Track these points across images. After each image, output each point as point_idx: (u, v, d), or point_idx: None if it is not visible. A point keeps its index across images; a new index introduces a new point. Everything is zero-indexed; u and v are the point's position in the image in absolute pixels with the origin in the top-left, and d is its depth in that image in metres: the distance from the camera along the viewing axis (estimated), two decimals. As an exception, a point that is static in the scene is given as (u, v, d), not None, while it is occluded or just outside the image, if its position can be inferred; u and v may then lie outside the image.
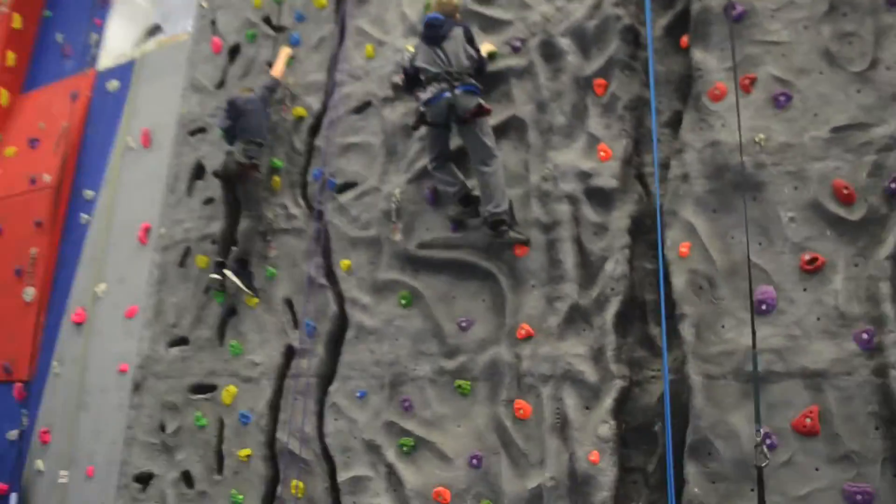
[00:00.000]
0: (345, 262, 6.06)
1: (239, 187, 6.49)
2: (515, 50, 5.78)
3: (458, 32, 5.44)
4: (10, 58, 9.33)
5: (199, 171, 7.43)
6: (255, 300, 6.42)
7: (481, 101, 5.26)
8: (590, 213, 5.17)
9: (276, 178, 6.72)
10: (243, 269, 6.46)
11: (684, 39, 5.26)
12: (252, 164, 6.40)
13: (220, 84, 7.58)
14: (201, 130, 7.50)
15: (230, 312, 6.63)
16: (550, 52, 5.66)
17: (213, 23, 7.88)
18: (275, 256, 6.50)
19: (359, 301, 5.88)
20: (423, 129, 5.69)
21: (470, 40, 5.45)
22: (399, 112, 6.17)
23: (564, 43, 5.61)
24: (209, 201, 7.14)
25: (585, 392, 4.77)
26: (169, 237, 7.27)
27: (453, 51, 5.35)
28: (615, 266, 4.93)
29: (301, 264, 6.30)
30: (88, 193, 8.16)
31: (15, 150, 8.95)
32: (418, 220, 5.85)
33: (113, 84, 8.48)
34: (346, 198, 6.26)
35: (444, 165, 5.52)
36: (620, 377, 4.71)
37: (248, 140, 6.43)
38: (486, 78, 5.54)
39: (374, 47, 6.53)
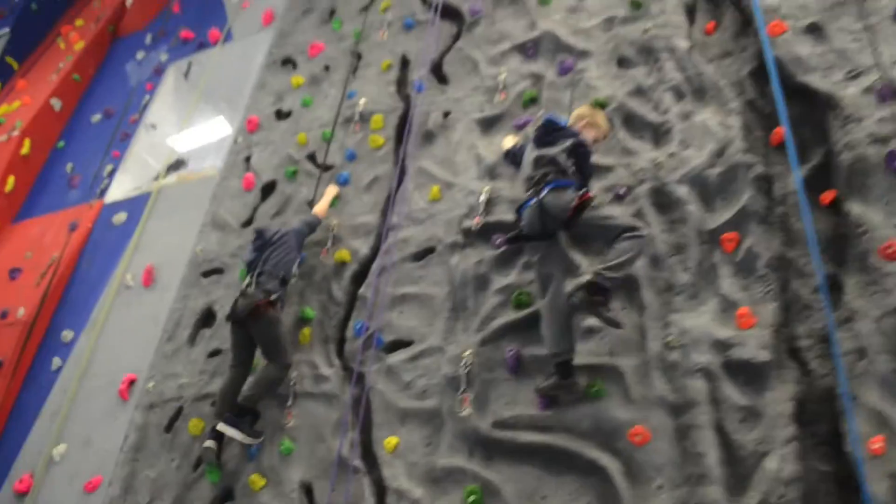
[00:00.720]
0: (390, 441, 4.65)
1: (254, 329, 5.19)
2: (620, 198, 4.89)
3: (567, 142, 4.55)
4: (10, 183, 8.40)
5: (207, 318, 6.20)
6: (263, 482, 4.91)
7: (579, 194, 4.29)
8: (734, 393, 3.95)
9: (306, 331, 5.49)
10: (241, 417, 4.97)
11: (826, 195, 4.41)
12: (269, 300, 5.12)
13: (248, 222, 6.59)
14: (217, 272, 6.38)
15: (225, 497, 5.07)
16: (664, 202, 4.77)
17: (248, 159, 7.07)
18: (293, 427, 5.08)
19: (408, 494, 4.40)
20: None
21: (576, 153, 4.54)
22: (471, 260, 5.12)
23: (682, 191, 4.74)
24: (215, 353, 5.83)
25: None
26: (157, 394, 5.85)
27: (554, 154, 4.45)
28: (781, 465, 3.61)
29: (329, 440, 4.87)
30: (67, 334, 6.83)
31: (-10, 281, 7.73)
32: (494, 392, 4.56)
33: (119, 217, 7.49)
34: (396, 359, 5.00)
35: (550, 301, 4.28)
36: None
37: (270, 274, 5.27)
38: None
39: (440, 189, 5.63)
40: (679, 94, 5.23)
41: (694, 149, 4.91)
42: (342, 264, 5.69)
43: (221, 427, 4.90)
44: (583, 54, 5.81)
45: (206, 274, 6.42)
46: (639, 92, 5.32)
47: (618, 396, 4.19)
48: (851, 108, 4.49)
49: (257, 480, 4.92)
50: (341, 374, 5.19)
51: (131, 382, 6.10)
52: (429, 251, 5.39)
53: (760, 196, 4.56)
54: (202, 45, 8.82)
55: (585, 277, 4.12)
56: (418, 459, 4.52)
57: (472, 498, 4.22)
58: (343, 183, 6.19)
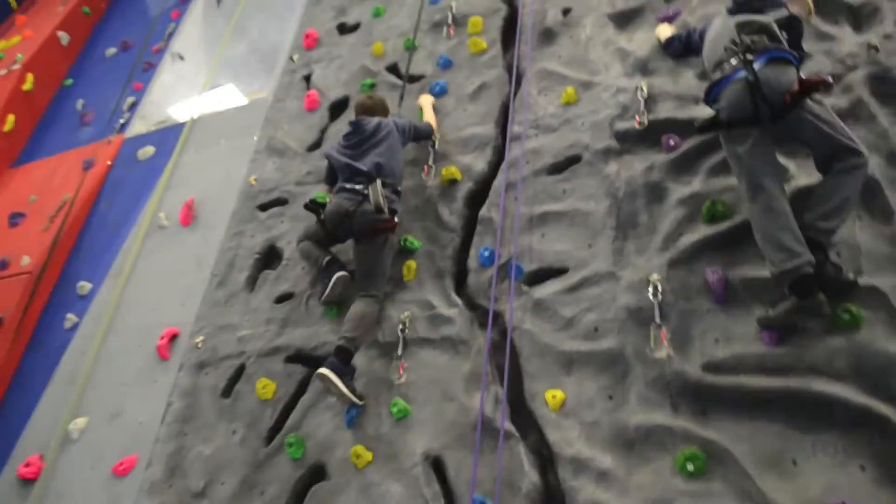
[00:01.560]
0: (554, 395, 3.45)
1: (364, 248, 4.14)
2: (826, 86, 3.75)
3: (779, 12, 3.48)
4: (10, 122, 7.06)
5: (269, 257, 4.97)
6: (369, 456, 3.67)
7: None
8: None
9: (412, 264, 4.28)
10: (346, 366, 3.86)
11: None
12: (392, 218, 4.11)
13: (315, 145, 5.38)
14: (279, 202, 5.15)
15: (314, 477, 3.83)
16: (888, 90, 3.67)
17: (308, 78, 5.86)
18: (408, 384, 3.85)
19: (592, 464, 3.19)
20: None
21: (791, 27, 3.48)
22: (637, 167, 3.97)
23: (916, 77, 3.65)
24: (285, 298, 4.59)
25: None
26: (209, 350, 4.59)
27: (766, 21, 3.38)
28: None
29: (461, 397, 3.65)
30: (84, 286, 5.52)
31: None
32: (698, 326, 3.38)
33: (146, 151, 6.22)
34: (547, 291, 3.80)
35: (769, 202, 3.15)
36: None
37: (389, 181, 4.22)
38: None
39: (576, 90, 4.48)
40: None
41: (914, 27, 3.85)
42: (451, 184, 4.49)
43: (325, 371, 3.72)
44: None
45: (265, 206, 5.19)
46: (829, -33, 4.24)
47: (881, 324, 3.04)
48: None
49: (362, 454, 3.68)
50: (468, 314, 3.98)
51: (173, 338, 4.83)
52: (573, 160, 4.23)
53: None
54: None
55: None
56: (599, 417, 3.32)
57: (691, 466, 3.04)
58: (440, 93, 5.01)
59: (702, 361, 3.27)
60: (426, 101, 4.89)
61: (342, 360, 3.81)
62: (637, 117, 4.12)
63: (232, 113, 6.10)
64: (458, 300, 4.05)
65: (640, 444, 3.19)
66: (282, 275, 4.72)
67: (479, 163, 4.51)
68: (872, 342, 3.01)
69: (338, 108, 5.51)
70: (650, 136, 4.07)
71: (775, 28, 3.42)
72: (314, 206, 4.33)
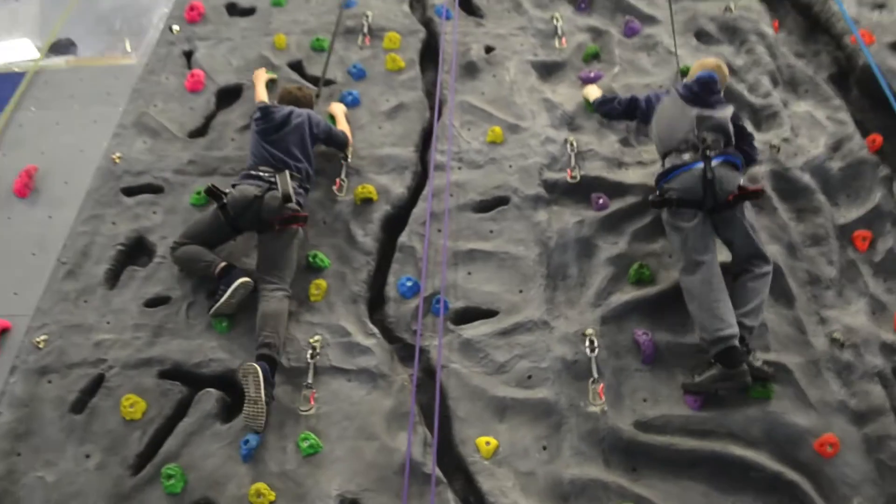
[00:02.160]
0: (488, 441, 3.36)
1: (270, 240, 3.86)
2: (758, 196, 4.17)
3: (728, 109, 3.84)
4: None
5: (136, 251, 4.27)
6: (271, 496, 3.26)
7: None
8: (918, 402, 3.45)
9: (321, 283, 3.94)
10: (272, 371, 3.56)
11: None
12: (303, 213, 3.96)
13: (199, 131, 4.77)
14: (151, 189, 4.46)
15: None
16: (788, 188, 4.24)
17: (189, 54, 5.20)
18: (319, 416, 3.50)
19: (525, 515, 3.15)
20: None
21: (736, 125, 3.87)
22: (567, 220, 4.07)
23: (806, 179, 4.24)
24: (157, 302, 3.96)
25: None
26: (55, 353, 3.77)
27: (723, 119, 3.75)
28: None
29: (382, 436, 3.41)
30: None
31: None
32: (627, 384, 3.54)
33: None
34: (477, 332, 3.72)
35: (701, 282, 3.46)
36: None
37: (299, 171, 4.03)
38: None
39: (502, 131, 4.50)
40: (774, 81, 4.79)
41: (805, 138, 4.47)
42: (365, 203, 4.23)
43: (256, 366, 3.42)
44: (649, 19, 5.15)
45: (132, 191, 4.45)
46: (731, 70, 4.76)
47: (789, 399, 3.45)
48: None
49: (264, 492, 3.25)
50: (386, 346, 3.74)
51: (2, 332, 3.90)
52: (501, 201, 4.21)
53: (891, 197, 4.23)
54: None
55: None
56: (534, 468, 3.30)
57: (626, 521, 3.14)
58: (351, 103, 4.73)
59: (633, 419, 3.42)
60: (338, 109, 4.59)
61: (270, 368, 3.49)
62: (569, 171, 4.24)
63: (87, 72, 5.16)
64: (375, 329, 3.80)
65: (574, 498, 3.22)
66: (154, 274, 4.07)
67: (398, 186, 4.32)
68: (783, 414, 3.38)
69: (227, 95, 4.94)
70: (579, 190, 4.21)
71: (730, 127, 3.77)
72: (216, 192, 3.90)
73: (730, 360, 3.32)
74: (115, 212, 4.35)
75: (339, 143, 4.38)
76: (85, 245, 4.20)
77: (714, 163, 3.58)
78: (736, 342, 3.33)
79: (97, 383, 3.69)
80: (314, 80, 4.89)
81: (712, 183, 3.54)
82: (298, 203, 3.93)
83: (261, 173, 3.96)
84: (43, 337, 3.84)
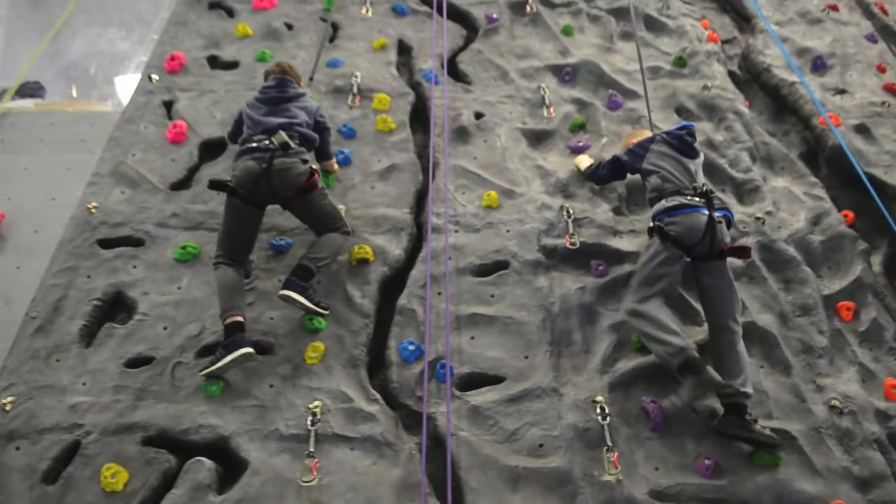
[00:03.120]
0: (502, 514, 3.22)
1: (301, 207, 3.93)
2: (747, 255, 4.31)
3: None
4: None
5: (114, 307, 3.99)
6: None
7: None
8: (917, 471, 3.54)
9: (318, 346, 3.76)
10: (306, 281, 3.75)
11: None
12: (314, 172, 3.94)
13: (181, 184, 4.57)
14: (130, 242, 4.21)
15: None
16: (775, 259, 4.38)
17: (168, 105, 5.03)
18: (321, 487, 3.28)
19: None
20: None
21: None
22: (569, 286, 4.06)
23: (791, 251, 4.40)
24: (139, 363, 3.69)
25: None
26: (23, 416, 3.42)
27: (703, 170, 4.13)
28: None
29: (387, 507, 3.22)
30: None
31: None
32: (638, 452, 3.48)
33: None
34: (484, 398, 3.61)
35: (659, 307, 3.62)
36: None
37: (301, 136, 3.99)
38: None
39: (498, 196, 4.50)
40: (752, 157, 5.00)
41: (786, 212, 4.66)
42: (362, 263, 4.12)
43: (287, 293, 3.65)
44: (631, 93, 5.34)
45: (109, 243, 4.19)
46: (711, 145, 4.97)
47: (796, 466, 3.48)
48: (927, 205, 4.65)
49: None
50: (390, 412, 3.57)
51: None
52: (500, 266, 4.17)
53: (870, 269, 4.43)
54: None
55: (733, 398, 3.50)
56: (551, 541, 3.17)
57: None
58: (343, 162, 4.65)
59: (648, 488, 3.35)
60: (330, 165, 4.51)
61: (301, 277, 3.68)
62: (568, 237, 4.25)
63: (58, 117, 4.93)
64: (377, 395, 3.64)
65: (595, 574, 3.10)
66: (135, 332, 3.80)
67: (394, 248, 4.22)
68: (791, 481, 3.40)
69: (211, 147, 4.78)
70: (578, 257, 4.22)
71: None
72: (220, 182, 3.81)
73: (693, 369, 3.40)
74: (91, 264, 4.08)
75: (326, 144, 4.32)
76: (57, 299, 3.90)
77: (718, 215, 3.74)
78: (693, 353, 3.43)
79: (72, 451, 3.36)
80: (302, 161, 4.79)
81: (713, 230, 3.67)
82: (305, 160, 3.86)
83: (257, 144, 3.84)
84: (10, 398, 3.50)
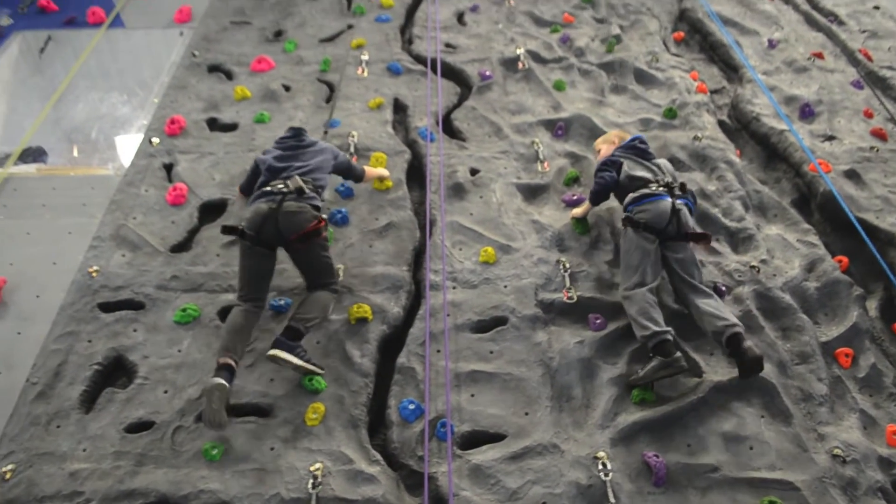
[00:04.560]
0: (506, 575, 3.18)
1: (300, 254, 4.01)
2: (720, 294, 4.36)
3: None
4: None
5: (115, 372, 4.00)
6: None
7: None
8: (923, 521, 3.50)
9: (319, 407, 3.76)
10: (295, 340, 3.78)
11: None
12: (321, 219, 4.01)
13: (181, 246, 4.63)
14: (132, 305, 4.25)
15: None
16: (771, 307, 4.40)
17: (169, 167, 5.13)
18: (319, 552, 3.25)
19: None
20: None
21: None
22: (567, 340, 4.07)
23: (787, 299, 4.42)
24: (140, 428, 3.68)
25: None
26: (25, 484, 3.40)
27: (667, 168, 4.53)
28: None
29: (391, 572, 3.18)
30: None
31: None
32: (643, 509, 3.45)
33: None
34: (485, 457, 3.59)
35: (644, 294, 3.98)
36: None
37: (313, 182, 4.13)
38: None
39: (495, 252, 4.55)
40: (745, 206, 5.06)
41: (781, 260, 4.69)
42: (361, 322, 4.14)
43: (275, 352, 3.67)
44: (623, 146, 5.43)
45: (110, 307, 4.23)
46: (703, 195, 5.04)
47: (802, 519, 3.44)
48: (920, 250, 4.69)
49: None
50: (391, 473, 3.56)
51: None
52: (499, 322, 4.19)
53: (867, 315, 4.45)
54: (72, 23, 6.46)
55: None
56: None
57: None
58: (341, 221, 4.72)
59: (653, 547, 3.32)
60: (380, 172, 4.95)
61: (290, 337, 3.71)
62: (565, 292, 4.29)
63: (60, 182, 5.01)
64: (378, 455, 3.63)
65: None
66: (136, 396, 3.81)
67: (393, 306, 4.25)
68: (798, 537, 3.35)
69: (211, 209, 4.86)
70: (576, 311, 4.25)
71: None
72: (229, 227, 3.96)
73: (665, 350, 3.77)
74: (92, 329, 4.11)
75: (356, 175, 4.64)
76: (58, 364, 3.92)
77: (680, 203, 4.17)
78: (669, 337, 3.81)
79: (72, 520, 3.35)
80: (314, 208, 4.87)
81: (678, 215, 4.10)
82: (316, 207, 3.98)
83: (271, 188, 3.98)
84: (10, 466, 3.49)
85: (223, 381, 3.52)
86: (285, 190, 3.93)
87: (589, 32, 6.78)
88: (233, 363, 3.62)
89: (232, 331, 3.71)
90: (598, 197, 4.56)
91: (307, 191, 3.96)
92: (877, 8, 7.49)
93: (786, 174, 5.55)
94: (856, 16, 7.33)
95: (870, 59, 6.65)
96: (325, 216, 4.05)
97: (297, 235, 3.86)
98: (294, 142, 4.32)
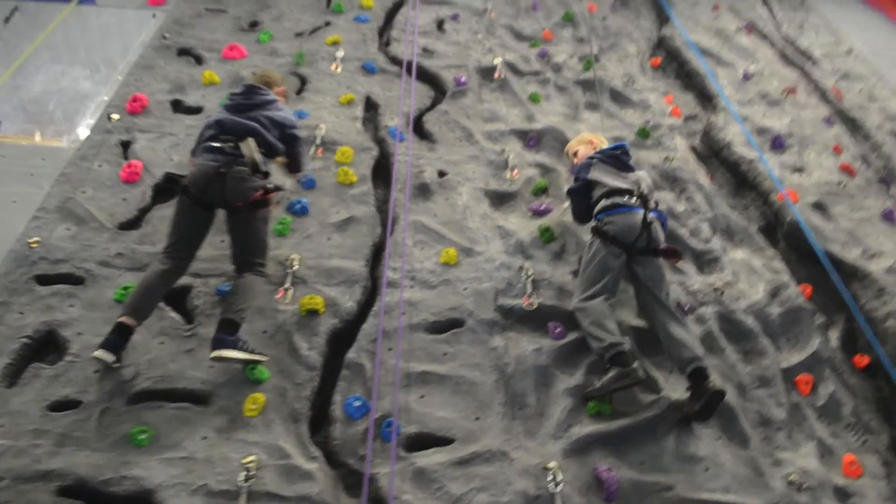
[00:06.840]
0: (443, 584, 3.00)
1: (239, 223, 3.75)
2: (683, 313, 4.28)
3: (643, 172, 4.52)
4: None
5: (44, 347, 3.76)
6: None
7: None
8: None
9: (258, 398, 3.56)
10: (234, 334, 3.53)
11: (861, 359, 4.44)
12: (270, 189, 3.80)
13: (131, 224, 4.42)
14: (70, 280, 4.01)
15: None
16: (733, 330, 4.33)
17: (126, 144, 4.92)
18: (246, 549, 3.04)
19: None
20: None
21: None
22: (525, 347, 3.93)
23: (750, 322, 4.35)
24: (65, 406, 3.43)
25: None
26: (-76, 463, 3.16)
27: (644, 182, 4.27)
28: None
29: (320, 575, 2.97)
30: None
31: None
32: (591, 524, 3.30)
33: None
34: (431, 460, 3.42)
35: (600, 305, 3.87)
36: None
37: (267, 146, 3.91)
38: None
39: (457, 253, 4.42)
40: (713, 228, 5.02)
41: (745, 284, 4.64)
42: (311, 314, 3.96)
43: (219, 353, 3.42)
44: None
45: (47, 280, 3.99)
46: (672, 215, 4.98)
47: (753, 546, 3.31)
48: (884, 283, 4.68)
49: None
50: (330, 472, 3.36)
51: None
52: (455, 324, 4.04)
53: (828, 343, 4.40)
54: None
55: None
56: None
57: None
58: (300, 211, 4.55)
59: (599, 563, 3.16)
60: None
61: (229, 332, 3.48)
62: (526, 298, 4.16)
63: (10, 150, 4.76)
64: (318, 452, 3.43)
65: None
66: (64, 374, 3.56)
67: (347, 300, 4.08)
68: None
69: (165, 190, 4.66)
70: (536, 318, 4.12)
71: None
72: (174, 177, 3.92)
73: (622, 361, 3.65)
74: (25, 300, 3.86)
75: (297, 156, 4.21)
76: (-16, 336, 3.67)
77: (652, 215, 4.02)
78: (625, 348, 3.69)
79: (-15, 497, 3.09)
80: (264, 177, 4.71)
81: (649, 228, 3.95)
82: (265, 174, 3.76)
83: (220, 144, 3.74)
84: (-83, 440, 3.22)
85: (105, 358, 3.41)
86: (237, 152, 3.71)
87: (568, 50, 6.77)
88: (132, 325, 3.47)
89: (145, 289, 3.51)
90: (578, 213, 4.47)
91: (259, 161, 3.74)
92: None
93: (754, 202, 5.53)
94: (830, 57, 7.44)
95: (841, 98, 6.73)
96: (272, 186, 3.81)
97: (244, 202, 3.66)
98: (242, 99, 4.02)
